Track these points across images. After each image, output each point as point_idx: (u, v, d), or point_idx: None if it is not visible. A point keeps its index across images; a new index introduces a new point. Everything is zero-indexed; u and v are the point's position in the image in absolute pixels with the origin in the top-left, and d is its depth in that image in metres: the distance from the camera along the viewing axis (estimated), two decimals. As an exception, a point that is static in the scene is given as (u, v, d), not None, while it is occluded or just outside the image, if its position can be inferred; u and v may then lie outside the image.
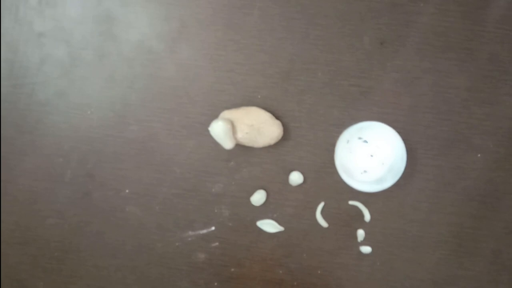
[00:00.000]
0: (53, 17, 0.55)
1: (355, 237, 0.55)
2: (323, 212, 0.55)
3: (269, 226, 0.55)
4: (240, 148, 0.54)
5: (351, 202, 0.55)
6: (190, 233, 0.55)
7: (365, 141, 0.54)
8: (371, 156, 0.54)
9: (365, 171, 0.54)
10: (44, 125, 0.55)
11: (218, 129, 0.51)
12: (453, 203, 0.55)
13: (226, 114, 0.52)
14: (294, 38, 0.54)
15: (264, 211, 0.55)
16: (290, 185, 0.55)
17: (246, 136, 0.52)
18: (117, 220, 0.55)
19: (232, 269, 0.52)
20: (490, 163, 0.55)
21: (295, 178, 0.54)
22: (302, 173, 0.54)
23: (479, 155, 0.55)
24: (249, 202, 0.55)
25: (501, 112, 0.54)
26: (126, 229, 0.55)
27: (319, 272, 0.55)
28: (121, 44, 0.55)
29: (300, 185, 0.55)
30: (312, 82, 0.54)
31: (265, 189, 0.55)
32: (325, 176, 0.55)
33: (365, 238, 0.55)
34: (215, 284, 0.55)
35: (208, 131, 0.52)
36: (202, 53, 0.55)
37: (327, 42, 0.54)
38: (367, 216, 0.55)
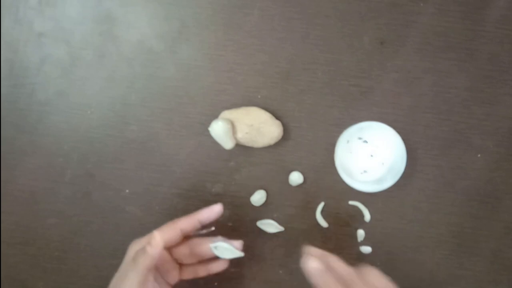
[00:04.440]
0: (53, 17, 0.55)
1: (355, 237, 0.55)
2: (323, 212, 0.55)
3: (269, 226, 0.55)
4: (240, 148, 0.54)
5: (351, 202, 0.55)
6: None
7: (365, 141, 0.54)
8: (371, 156, 0.54)
9: (365, 171, 0.54)
10: (44, 125, 0.55)
11: (218, 129, 0.51)
12: (453, 203, 0.55)
13: (226, 114, 0.52)
14: (294, 38, 0.54)
15: (264, 211, 0.55)
16: (290, 185, 0.55)
17: (246, 136, 0.52)
18: (117, 220, 0.55)
19: (232, 269, 0.52)
20: (490, 163, 0.55)
21: (295, 178, 0.54)
22: (302, 173, 0.54)
23: (479, 155, 0.55)
24: (249, 202, 0.55)
25: (501, 112, 0.54)
26: (126, 229, 0.55)
27: (319, 272, 0.55)
28: (121, 44, 0.55)
29: (300, 185, 0.55)
30: (312, 82, 0.54)
31: (265, 189, 0.55)
32: (325, 176, 0.55)
33: (365, 238, 0.55)
34: (215, 284, 0.55)
35: (208, 131, 0.52)
36: (202, 53, 0.55)
37: (327, 42, 0.54)
38: (367, 216, 0.55)
